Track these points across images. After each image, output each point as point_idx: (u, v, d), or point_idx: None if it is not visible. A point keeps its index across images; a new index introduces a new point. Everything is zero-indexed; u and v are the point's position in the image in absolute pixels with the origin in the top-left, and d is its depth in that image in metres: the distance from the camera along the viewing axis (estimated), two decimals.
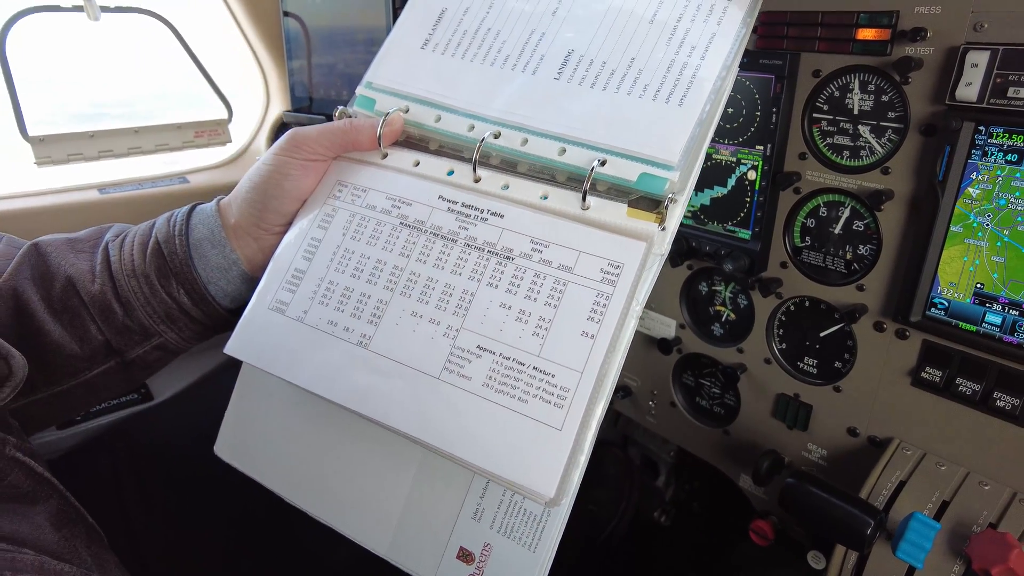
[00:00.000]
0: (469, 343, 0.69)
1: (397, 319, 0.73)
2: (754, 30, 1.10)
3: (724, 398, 1.39)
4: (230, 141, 1.64)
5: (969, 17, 0.89)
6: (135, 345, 0.88)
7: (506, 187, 0.76)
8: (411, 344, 0.72)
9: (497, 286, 0.71)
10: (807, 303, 1.18)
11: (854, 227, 1.08)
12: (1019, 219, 0.89)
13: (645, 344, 1.47)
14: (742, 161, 1.16)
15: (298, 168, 0.83)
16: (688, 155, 0.70)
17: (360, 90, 0.90)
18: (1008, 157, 0.88)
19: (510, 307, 0.70)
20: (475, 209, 0.76)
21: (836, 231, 1.10)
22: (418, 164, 0.82)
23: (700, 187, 1.24)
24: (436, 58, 0.86)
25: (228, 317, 0.89)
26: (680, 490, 2.28)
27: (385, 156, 0.84)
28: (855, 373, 1.13)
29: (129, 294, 0.85)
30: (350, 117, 0.87)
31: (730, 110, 1.16)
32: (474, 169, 0.77)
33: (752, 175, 1.15)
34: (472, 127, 0.81)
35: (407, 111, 0.85)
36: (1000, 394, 0.96)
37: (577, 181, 0.74)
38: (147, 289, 0.85)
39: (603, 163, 0.72)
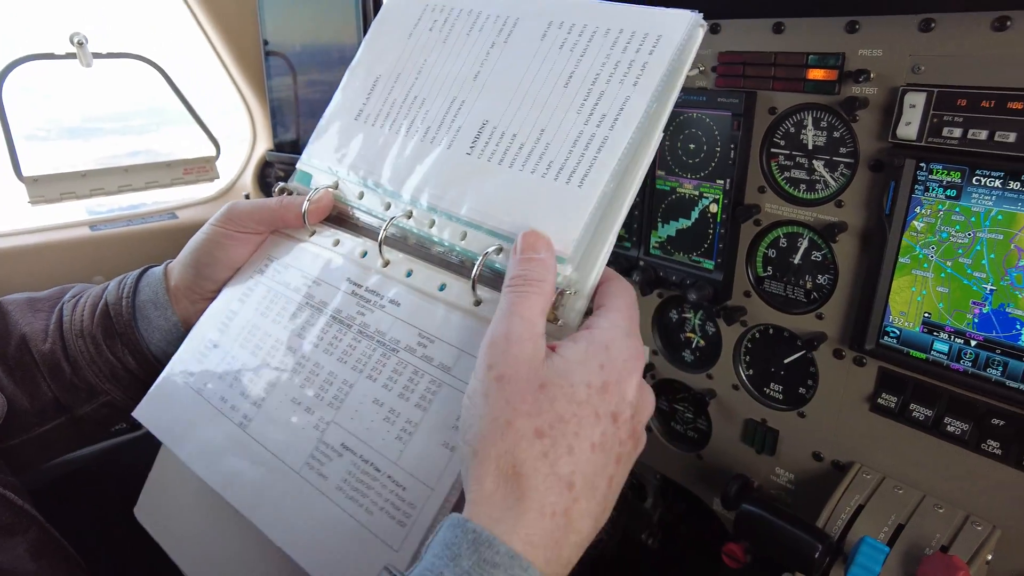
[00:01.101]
0: (335, 439, 0.67)
1: (278, 403, 0.72)
2: (713, 69, 1.15)
3: (697, 423, 1.42)
4: (218, 177, 1.69)
5: (908, 60, 0.94)
6: (83, 402, 0.91)
7: (410, 273, 0.74)
8: (284, 432, 0.70)
9: (376, 379, 0.69)
10: (771, 331, 1.21)
11: (812, 257, 1.12)
12: (959, 251, 0.93)
13: None
14: (704, 194, 1.20)
15: (230, 239, 0.87)
16: (584, 244, 0.66)
17: (299, 165, 0.91)
18: (947, 192, 0.92)
19: (382, 404, 0.67)
20: (376, 295, 0.74)
21: (796, 261, 1.14)
22: (338, 243, 0.81)
23: (666, 219, 1.28)
24: (367, 129, 0.84)
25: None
26: (667, 512, 2.30)
27: (312, 234, 0.84)
28: (818, 399, 1.16)
29: (77, 353, 0.89)
30: (289, 193, 0.90)
31: (691, 146, 1.20)
32: (380, 252, 0.76)
33: (714, 208, 1.19)
34: (388, 205, 0.79)
35: (336, 187, 0.84)
36: (950, 419, 0.99)
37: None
38: (93, 348, 0.89)
39: (499, 251, 0.68)
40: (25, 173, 1.37)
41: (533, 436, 0.55)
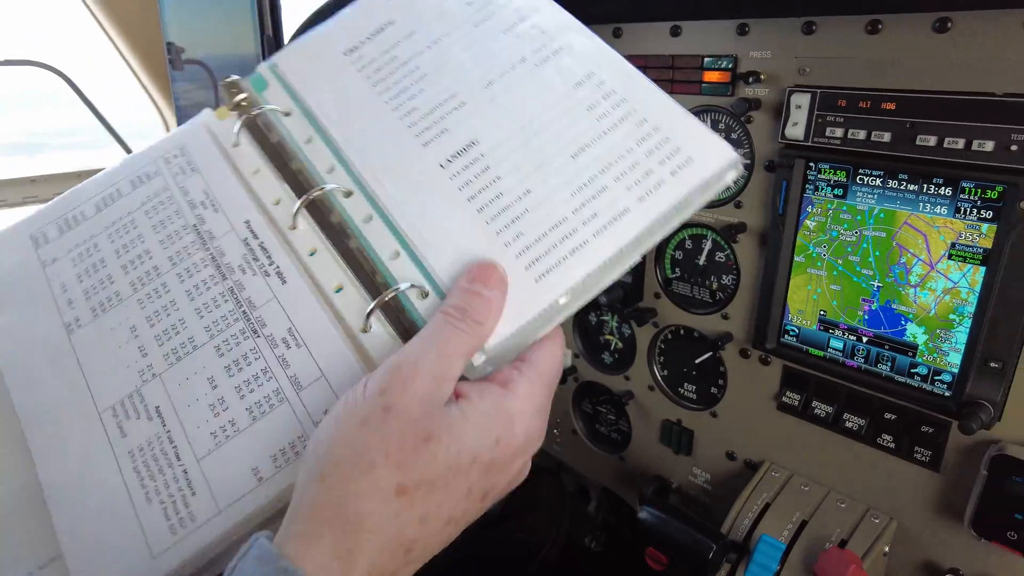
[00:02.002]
0: (153, 397, 0.58)
1: (116, 323, 0.62)
2: None
3: (619, 424, 1.42)
4: None
5: (794, 62, 0.95)
6: None
7: (313, 253, 0.63)
8: (106, 359, 0.61)
9: (222, 355, 0.59)
10: (682, 331, 1.22)
11: (716, 258, 1.13)
12: (849, 250, 0.94)
13: None
14: None
15: None
16: (512, 344, 0.56)
17: (260, 67, 0.77)
18: (835, 191, 0.93)
19: (216, 387, 0.58)
20: (267, 257, 0.63)
21: (701, 262, 1.15)
22: (257, 173, 0.69)
23: None
24: (351, 73, 0.70)
25: None
26: (611, 515, 2.30)
27: (236, 145, 0.71)
28: (728, 398, 1.17)
29: None
30: (236, 89, 0.74)
31: None
32: (294, 215, 0.64)
33: None
34: (332, 169, 0.66)
35: (288, 115, 0.70)
36: (849, 415, 1.00)
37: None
38: None
39: (425, 295, 0.58)
40: None
41: (393, 493, 0.48)
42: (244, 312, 0.61)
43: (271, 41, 1.06)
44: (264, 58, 1.07)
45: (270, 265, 0.63)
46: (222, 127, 0.73)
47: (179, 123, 1.32)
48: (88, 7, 1.33)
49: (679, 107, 0.61)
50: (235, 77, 0.75)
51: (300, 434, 0.55)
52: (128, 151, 1.61)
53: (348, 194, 0.64)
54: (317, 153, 0.68)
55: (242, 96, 0.72)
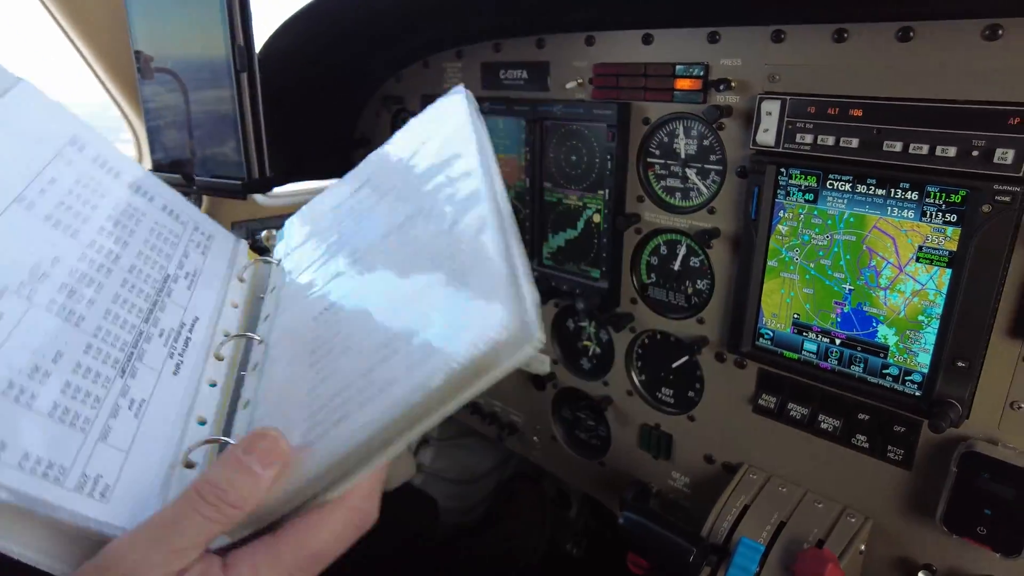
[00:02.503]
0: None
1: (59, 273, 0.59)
2: (590, 81, 1.17)
3: (598, 430, 1.42)
4: None
5: (764, 69, 0.97)
6: None
7: (212, 384, 0.64)
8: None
9: (87, 352, 0.55)
10: (659, 336, 1.23)
11: (691, 264, 1.14)
12: (820, 254, 0.96)
13: (524, 380, 1.50)
14: (587, 205, 1.22)
15: None
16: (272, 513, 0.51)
17: (288, 221, 0.88)
18: (806, 196, 0.95)
19: (51, 373, 0.52)
20: (184, 347, 0.64)
21: (676, 268, 1.16)
22: (234, 306, 0.75)
23: (555, 230, 1.29)
24: (325, 224, 0.79)
25: None
26: (592, 519, 2.31)
27: (241, 280, 0.78)
28: (705, 402, 1.18)
29: None
30: (270, 240, 0.87)
31: (573, 158, 1.21)
32: (222, 346, 0.67)
33: (597, 218, 1.21)
34: (266, 318, 0.72)
35: (273, 290, 0.77)
36: (824, 416, 1.02)
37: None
38: None
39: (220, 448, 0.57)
40: None
41: None
42: (131, 353, 0.59)
43: (242, 51, 1.05)
44: (235, 66, 1.06)
45: (180, 353, 0.63)
46: (242, 253, 0.81)
47: (147, 128, 1.29)
48: (53, 16, 1.31)
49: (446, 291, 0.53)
50: (273, 232, 0.89)
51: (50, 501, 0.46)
52: None
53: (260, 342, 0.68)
54: (267, 303, 0.75)
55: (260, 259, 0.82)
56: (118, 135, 1.68)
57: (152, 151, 1.26)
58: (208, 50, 1.10)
